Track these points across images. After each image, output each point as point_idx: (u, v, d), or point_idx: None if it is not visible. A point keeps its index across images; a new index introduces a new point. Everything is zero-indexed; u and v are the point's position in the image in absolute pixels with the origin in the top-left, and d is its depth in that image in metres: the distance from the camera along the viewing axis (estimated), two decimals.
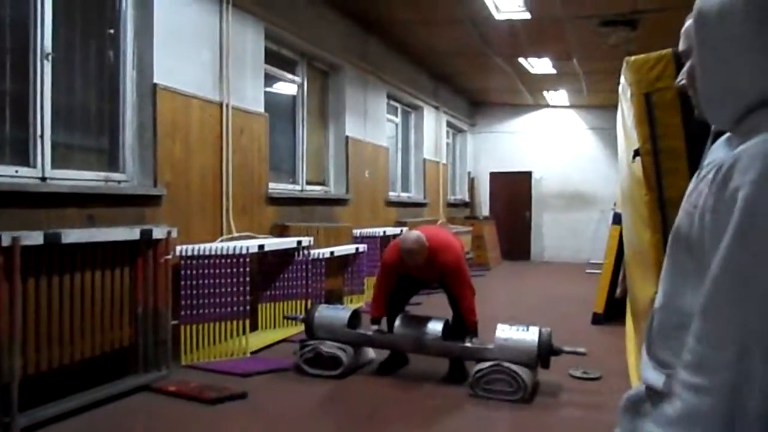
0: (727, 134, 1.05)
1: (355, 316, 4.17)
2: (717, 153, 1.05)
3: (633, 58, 2.63)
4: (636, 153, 2.62)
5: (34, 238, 2.95)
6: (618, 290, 5.87)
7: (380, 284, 4.10)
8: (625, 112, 2.97)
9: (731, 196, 0.93)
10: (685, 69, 1.08)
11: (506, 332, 3.66)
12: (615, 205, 6.85)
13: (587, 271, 10.06)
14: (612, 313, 5.74)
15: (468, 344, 3.80)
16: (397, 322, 4.00)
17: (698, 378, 0.90)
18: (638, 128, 2.60)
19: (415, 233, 3.90)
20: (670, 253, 1.10)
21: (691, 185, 1.08)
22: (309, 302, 5.25)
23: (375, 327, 4.05)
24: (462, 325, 3.91)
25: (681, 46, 1.06)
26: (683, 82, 1.10)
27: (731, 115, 1.02)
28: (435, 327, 3.92)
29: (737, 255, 0.89)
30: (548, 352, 3.60)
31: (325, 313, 4.17)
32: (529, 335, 3.62)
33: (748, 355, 0.86)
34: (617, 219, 5.69)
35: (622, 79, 2.87)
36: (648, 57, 2.58)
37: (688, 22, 1.04)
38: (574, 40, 7.44)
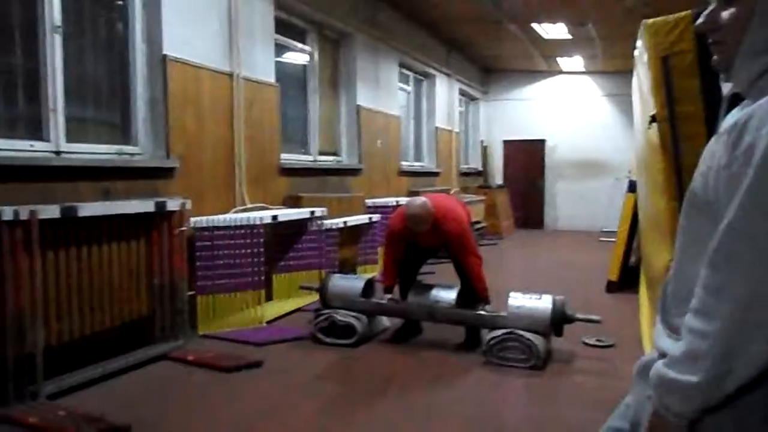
0: (744, 101, 1.03)
1: (369, 285, 4.21)
2: (732, 117, 1.03)
3: (650, 21, 2.57)
4: (653, 118, 2.58)
5: (51, 211, 2.99)
6: (633, 258, 5.85)
7: (388, 252, 4.12)
8: (642, 77, 2.92)
9: (745, 152, 0.92)
10: (715, 14, 1.04)
11: (519, 300, 3.67)
12: (630, 172, 6.78)
13: (601, 239, 10.01)
14: (626, 280, 5.73)
15: (481, 312, 3.82)
16: (410, 291, 4.03)
17: (701, 323, 0.93)
18: (655, 93, 2.55)
19: (421, 199, 3.90)
20: (684, 220, 1.09)
21: (706, 149, 1.06)
22: (323, 272, 5.29)
23: (388, 296, 4.08)
24: (471, 293, 3.93)
25: None
26: (704, 26, 1.06)
27: (751, 75, 1.00)
28: (448, 295, 3.94)
29: (752, 206, 0.89)
30: (562, 319, 3.61)
31: (339, 282, 4.20)
32: (542, 303, 3.63)
33: (754, 305, 0.88)
34: (632, 187, 5.64)
35: (639, 43, 2.81)
36: (666, 20, 2.52)
37: None
38: (589, 3, 7.26)
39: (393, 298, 4.08)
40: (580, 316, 3.65)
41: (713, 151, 1.00)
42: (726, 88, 1.10)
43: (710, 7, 1.05)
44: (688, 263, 1.04)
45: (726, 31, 1.03)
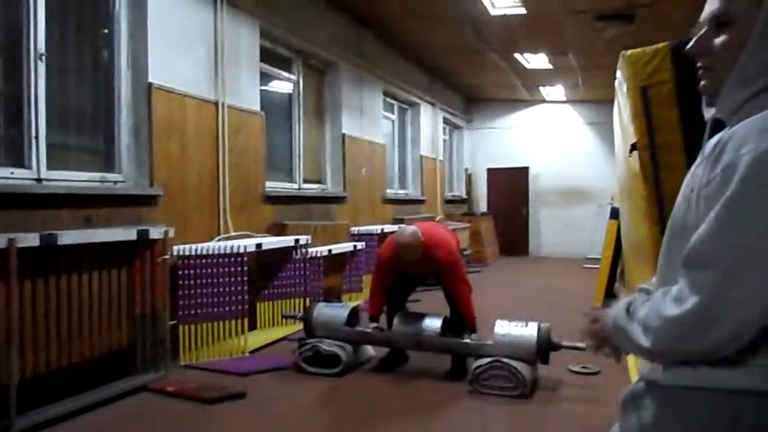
0: (725, 128, 1.05)
1: (354, 313, 4.17)
2: (714, 141, 1.05)
3: (629, 52, 2.63)
4: (633, 147, 2.62)
5: (31, 239, 2.93)
6: (616, 284, 5.88)
7: (376, 281, 4.09)
8: (622, 107, 2.97)
9: (724, 170, 0.95)
10: (706, 39, 1.05)
11: (505, 328, 3.66)
12: (612, 199, 6.86)
13: (585, 265, 10.07)
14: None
15: (467, 340, 3.80)
16: (396, 320, 4.00)
17: (668, 306, 0.97)
18: (635, 122, 2.60)
19: (411, 228, 3.90)
20: (664, 246, 1.10)
21: (690, 173, 1.08)
22: (307, 300, 5.24)
23: (374, 324, 4.05)
24: (460, 321, 3.91)
25: (719, 10, 1.02)
26: (695, 51, 1.07)
27: (738, 101, 1.02)
28: (434, 324, 3.91)
29: (727, 217, 0.92)
30: (547, 347, 3.60)
31: (324, 311, 4.16)
32: (528, 331, 3.62)
33: (739, 272, 0.90)
34: (615, 213, 5.70)
35: (619, 74, 2.87)
36: (644, 51, 2.58)
37: None
38: (569, 35, 7.44)
39: (378, 327, 4.05)
40: (566, 343, 3.64)
41: (696, 174, 1.02)
42: (708, 113, 1.11)
43: (701, 32, 1.07)
44: (664, 285, 1.05)
45: (717, 58, 1.05)
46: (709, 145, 1.04)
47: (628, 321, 1.08)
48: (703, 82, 1.08)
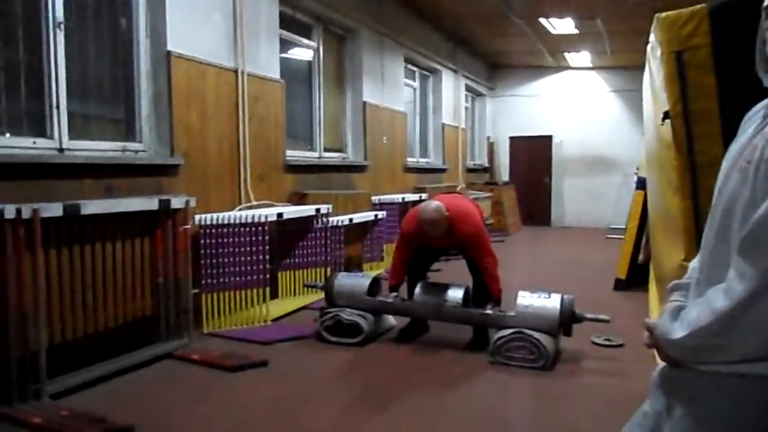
0: None
1: (375, 283, 4.16)
2: None
3: (664, 14, 2.51)
4: (666, 115, 2.52)
5: (54, 209, 2.95)
6: (641, 256, 5.79)
7: (399, 253, 4.07)
8: (654, 73, 2.85)
9: None
10: None
11: (527, 299, 3.62)
12: (638, 169, 6.70)
13: (608, 236, 9.94)
14: (635, 278, 5.67)
15: (489, 311, 3.78)
16: (417, 290, 3.98)
17: (719, 299, 0.93)
18: (668, 89, 2.49)
19: (435, 203, 3.84)
20: (717, 223, 1.04)
21: (741, 145, 1.00)
22: (328, 270, 5.25)
23: (394, 294, 4.04)
24: (483, 292, 3.88)
25: None
26: None
27: None
28: (455, 294, 3.89)
29: None
30: (570, 319, 3.56)
31: (345, 281, 4.16)
32: (550, 302, 3.57)
33: (764, 294, 0.86)
34: (641, 184, 5.57)
35: (652, 38, 2.74)
36: (680, 13, 2.46)
37: None
38: None
39: (400, 297, 4.04)
40: (589, 315, 3.60)
41: (755, 145, 0.95)
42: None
43: None
44: (716, 266, 1.00)
45: None
46: None
47: (673, 326, 1.03)
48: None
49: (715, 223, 1.04)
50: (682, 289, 1.15)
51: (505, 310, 3.76)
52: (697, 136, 2.40)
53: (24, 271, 2.79)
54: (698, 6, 2.40)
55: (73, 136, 3.54)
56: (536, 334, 3.49)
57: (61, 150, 3.45)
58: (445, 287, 3.98)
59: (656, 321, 1.11)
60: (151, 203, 3.58)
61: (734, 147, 1.05)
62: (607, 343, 3.96)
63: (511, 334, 3.53)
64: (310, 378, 3.38)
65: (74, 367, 3.13)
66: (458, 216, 3.80)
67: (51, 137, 3.43)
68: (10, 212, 2.74)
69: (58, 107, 3.44)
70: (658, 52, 2.57)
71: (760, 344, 0.91)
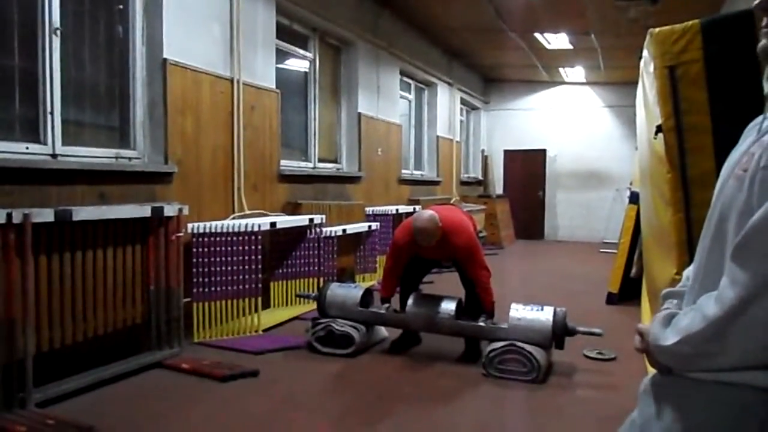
0: None
1: (368, 294, 4.15)
2: None
3: (657, 30, 2.53)
4: (658, 129, 2.53)
5: (45, 215, 2.93)
6: (634, 270, 5.80)
7: (390, 264, 4.04)
8: (647, 88, 2.88)
9: None
10: None
11: (520, 312, 3.62)
12: (631, 184, 6.74)
13: (601, 250, 9.97)
14: (627, 292, 5.68)
15: (481, 323, 3.77)
16: (410, 301, 3.97)
17: (711, 306, 0.93)
18: (661, 103, 2.51)
19: (429, 212, 3.83)
20: (712, 231, 1.04)
21: (739, 154, 1.01)
22: (321, 280, 5.23)
23: (386, 305, 4.02)
24: (475, 305, 3.87)
25: None
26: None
27: None
28: (448, 306, 3.88)
29: None
30: (563, 332, 3.55)
31: (337, 291, 4.14)
32: (543, 315, 3.57)
33: (756, 301, 0.87)
34: (634, 198, 5.59)
35: (645, 53, 2.77)
36: (673, 29, 2.48)
37: None
38: (592, 14, 7.25)
39: (392, 308, 4.02)
40: (582, 329, 3.59)
41: (752, 153, 0.95)
42: None
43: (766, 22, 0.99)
44: (710, 276, 1.00)
45: None
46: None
47: (664, 332, 1.03)
48: (764, 41, 0.98)
49: (710, 231, 1.05)
50: (675, 297, 1.15)
51: (498, 323, 3.75)
52: (689, 150, 2.42)
53: (13, 276, 2.77)
54: (691, 22, 2.43)
55: (66, 141, 3.53)
56: (528, 347, 3.48)
57: (54, 156, 3.43)
58: (438, 299, 3.96)
59: (648, 326, 1.11)
60: (143, 210, 3.57)
61: (733, 155, 1.06)
62: (599, 356, 3.95)
63: (504, 346, 3.52)
64: (301, 389, 3.35)
65: (62, 375, 3.09)
66: (451, 228, 3.79)
67: (44, 143, 3.41)
68: (0, 217, 2.71)
69: (52, 113, 3.43)
70: (651, 67, 2.60)
71: (751, 351, 0.91)
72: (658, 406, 1.10)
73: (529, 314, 3.59)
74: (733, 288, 0.89)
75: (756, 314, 0.87)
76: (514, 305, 3.68)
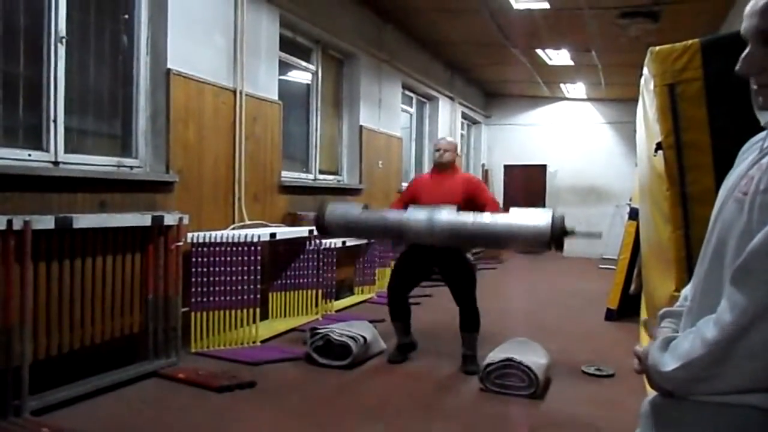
0: None
1: (366, 208, 3.81)
2: None
3: (657, 48, 2.55)
4: (658, 146, 2.55)
5: (46, 222, 2.94)
6: (633, 286, 5.79)
7: (396, 199, 4.36)
8: (647, 105, 2.89)
9: None
10: (753, 56, 0.99)
11: (518, 214, 3.39)
12: (631, 200, 6.75)
13: (600, 266, 9.95)
14: (626, 309, 5.67)
15: (476, 223, 3.48)
16: (410, 209, 3.67)
17: (710, 330, 0.94)
18: (661, 121, 2.52)
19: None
20: (711, 251, 1.05)
21: (738, 176, 1.02)
22: (319, 292, 5.21)
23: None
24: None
25: (761, 26, 0.97)
26: (747, 71, 1.01)
27: None
28: (448, 207, 3.57)
29: None
30: (561, 233, 3.30)
31: (338, 207, 3.79)
32: (542, 218, 3.31)
33: (756, 325, 0.87)
34: (634, 214, 5.60)
35: (645, 71, 2.79)
36: (673, 47, 2.50)
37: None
38: (593, 31, 7.31)
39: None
40: (581, 230, 3.51)
41: (751, 176, 0.96)
42: (762, 117, 1.04)
43: (747, 50, 1.00)
44: (709, 297, 1.00)
45: (755, 72, 0.99)
46: None
47: (663, 358, 1.03)
48: (760, 99, 1.00)
49: (708, 252, 1.05)
50: (673, 317, 1.15)
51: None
52: (688, 167, 2.43)
53: (12, 283, 2.77)
54: (690, 41, 2.45)
55: (68, 149, 3.54)
56: (527, 362, 3.46)
57: (56, 163, 3.45)
58: (438, 206, 3.63)
59: (646, 349, 1.11)
60: (144, 219, 3.57)
61: (731, 177, 1.07)
62: (597, 372, 3.94)
63: (501, 361, 3.51)
64: (298, 400, 3.34)
65: (58, 383, 3.08)
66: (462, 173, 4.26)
67: (47, 150, 3.42)
68: (0, 223, 2.72)
69: (55, 120, 3.45)
70: (651, 85, 2.61)
71: (751, 375, 0.91)
72: (659, 430, 1.10)
73: (528, 214, 3.36)
74: (732, 312, 0.89)
75: (755, 338, 0.87)
76: (512, 209, 3.45)
